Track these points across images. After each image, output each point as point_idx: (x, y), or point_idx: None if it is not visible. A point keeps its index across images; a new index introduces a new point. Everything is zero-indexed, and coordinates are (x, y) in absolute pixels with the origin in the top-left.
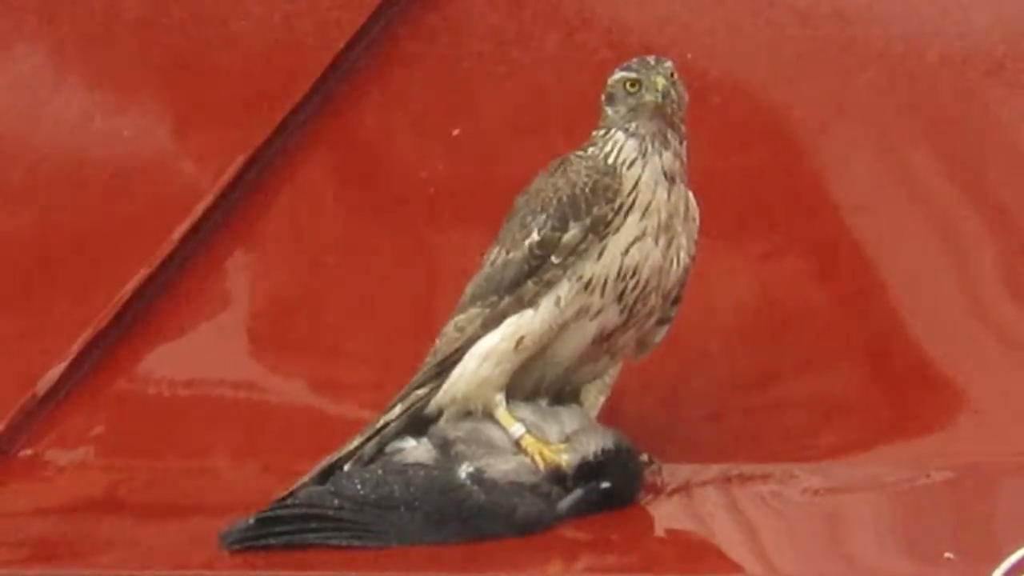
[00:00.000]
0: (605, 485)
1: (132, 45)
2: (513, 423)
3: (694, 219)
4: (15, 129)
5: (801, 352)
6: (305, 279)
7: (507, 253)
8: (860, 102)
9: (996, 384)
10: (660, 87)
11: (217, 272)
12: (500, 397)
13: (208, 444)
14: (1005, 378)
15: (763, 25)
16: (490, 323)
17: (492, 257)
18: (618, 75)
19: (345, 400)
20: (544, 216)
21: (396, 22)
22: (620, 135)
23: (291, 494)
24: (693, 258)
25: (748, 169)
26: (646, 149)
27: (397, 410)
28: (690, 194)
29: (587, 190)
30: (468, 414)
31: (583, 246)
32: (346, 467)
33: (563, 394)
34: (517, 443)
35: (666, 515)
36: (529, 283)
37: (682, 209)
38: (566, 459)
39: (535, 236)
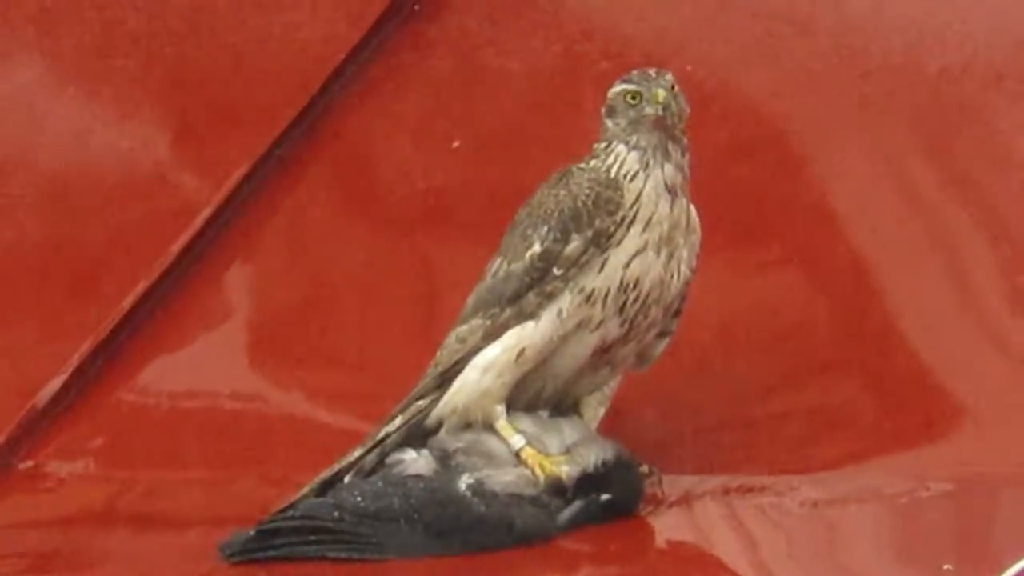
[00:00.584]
0: (605, 497)
1: (131, 57)
2: (513, 435)
3: (696, 232)
4: (14, 141)
5: (800, 364)
6: (304, 291)
7: (509, 265)
8: (860, 113)
9: (995, 395)
10: (661, 99)
11: (216, 284)
12: (501, 409)
13: (208, 456)
14: (1004, 389)
15: (762, 36)
16: (491, 335)
17: (494, 268)
18: (619, 87)
19: (345, 411)
20: (546, 228)
21: (396, 34)
22: (622, 148)
23: (291, 506)
24: (694, 271)
25: (747, 180)
26: (648, 162)
27: (398, 421)
28: (692, 207)
29: (589, 202)
30: (468, 425)
31: (585, 258)
32: (346, 479)
33: (563, 406)
34: (517, 455)
35: (666, 526)
36: (531, 295)
37: (684, 222)
38: (566, 471)
39: (537, 248)
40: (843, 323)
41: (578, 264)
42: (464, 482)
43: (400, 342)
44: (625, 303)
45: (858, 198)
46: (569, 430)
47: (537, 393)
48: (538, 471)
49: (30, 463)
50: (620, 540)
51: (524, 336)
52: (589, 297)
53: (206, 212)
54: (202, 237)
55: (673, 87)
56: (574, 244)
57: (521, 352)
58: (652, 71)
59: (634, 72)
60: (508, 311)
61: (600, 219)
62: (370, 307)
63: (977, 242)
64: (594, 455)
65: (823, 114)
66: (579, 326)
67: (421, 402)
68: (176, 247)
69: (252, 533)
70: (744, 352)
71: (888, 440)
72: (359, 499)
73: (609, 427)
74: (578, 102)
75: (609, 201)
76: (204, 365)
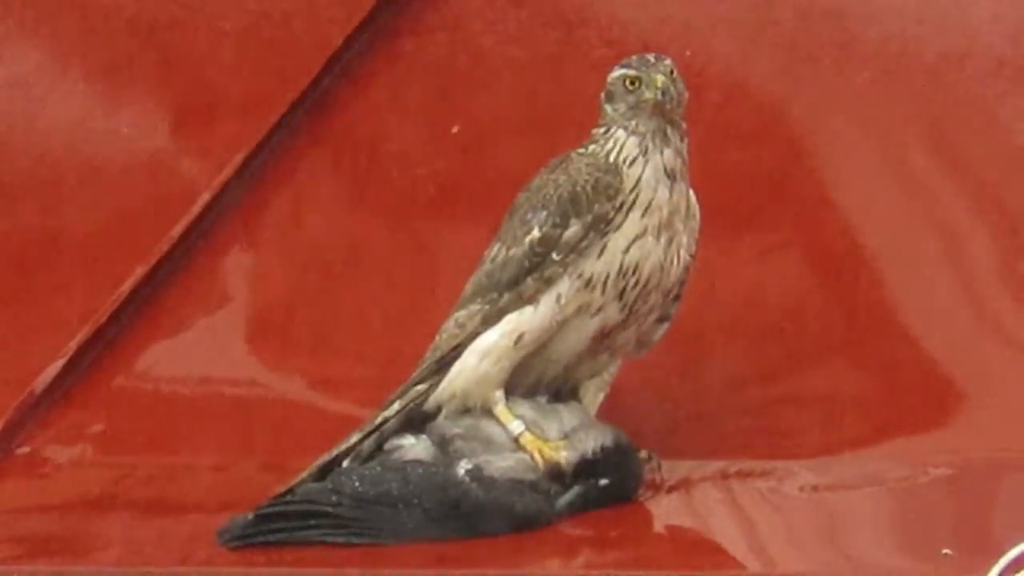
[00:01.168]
0: (604, 482)
1: (130, 42)
2: (512, 420)
3: (695, 217)
4: (12, 126)
5: (800, 349)
6: (303, 276)
7: (508, 250)
8: (859, 100)
9: (995, 381)
10: (659, 84)
11: (215, 269)
12: (499, 394)
13: (207, 441)
14: (1004, 375)
15: (762, 23)
16: (490, 320)
17: (493, 254)
18: (618, 72)
19: (344, 396)
20: (545, 213)
21: (394, 19)
22: (621, 133)
23: (290, 491)
24: (693, 256)
25: (746, 167)
26: (647, 147)
27: (396, 406)
28: (691, 192)
29: (588, 188)
30: (467, 411)
31: (584, 244)
32: (345, 464)
33: (562, 391)
34: (516, 440)
35: (665, 512)
36: (529, 280)
37: (683, 207)
38: (565, 456)
39: (536, 233)
40: (842, 309)
41: (577, 249)
42: (463, 467)
43: (399, 328)
44: (624, 288)
45: (857, 184)
46: (568, 415)
47: (536, 378)
48: (537, 456)
49: (28, 449)
50: (619, 525)
51: (523, 321)
52: (588, 282)
53: (205, 197)
54: (201, 223)
55: (672, 72)
56: (573, 229)
57: (520, 337)
58: (651, 56)
59: (633, 57)
60: (507, 296)
61: (599, 204)
62: (369, 292)
63: (977, 228)
64: (593, 440)
65: (822, 100)
66: (578, 311)
67: (420, 387)
68: (175, 233)
69: (250, 518)
70: (743, 337)
71: (887, 425)
72: (357, 484)
73: (608, 412)
74: (577, 88)
75: (608, 186)
76: (203, 351)
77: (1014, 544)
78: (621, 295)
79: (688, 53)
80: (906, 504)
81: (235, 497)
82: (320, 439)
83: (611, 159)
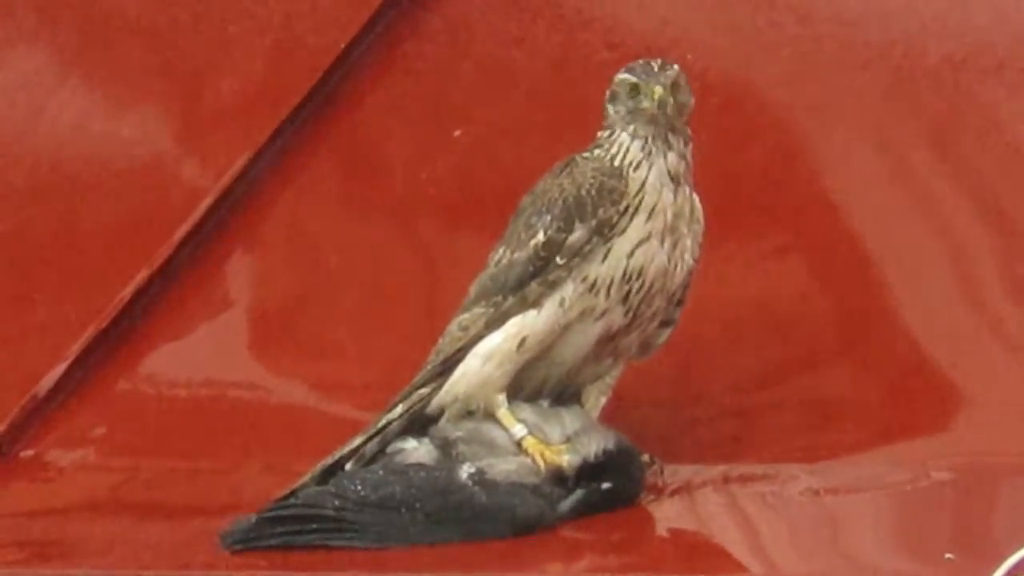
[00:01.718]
0: (606, 486)
1: (132, 45)
2: (515, 424)
3: (699, 221)
4: (15, 129)
5: (802, 352)
6: (306, 279)
7: (512, 253)
8: (860, 102)
9: (996, 384)
10: (656, 96)
11: (218, 272)
12: (502, 397)
13: (209, 444)
14: (1005, 378)
15: (763, 26)
16: (493, 323)
17: (497, 257)
18: (620, 76)
19: (346, 400)
20: (549, 217)
21: (396, 23)
22: (625, 137)
23: (292, 494)
24: (697, 260)
25: (746, 169)
26: (650, 150)
27: (399, 409)
28: (695, 196)
29: (593, 192)
30: (470, 414)
31: (588, 248)
32: (347, 467)
33: (565, 395)
34: (518, 444)
35: (667, 515)
36: (533, 284)
37: (687, 211)
38: (567, 460)
39: (540, 237)
40: (844, 312)
41: (581, 253)
42: (465, 471)
43: (402, 331)
44: (628, 292)
45: (859, 187)
46: (570, 419)
47: (539, 382)
48: (539, 460)
49: (31, 452)
50: (621, 529)
51: (526, 325)
52: (592, 286)
53: (207, 201)
54: (203, 226)
55: (676, 82)
56: (578, 233)
57: (523, 341)
58: (656, 64)
59: (639, 62)
60: (511, 300)
61: (604, 208)
62: (372, 296)
63: (978, 231)
64: (595, 444)
65: (824, 103)
66: (582, 315)
67: (423, 390)
68: (177, 236)
69: (253, 521)
70: (745, 341)
71: (889, 429)
72: (360, 487)
73: (610, 416)
74: (579, 91)
75: (613, 190)
76: (205, 354)
77: (1016, 548)
78: (625, 299)
79: (689, 56)
80: (908, 508)
81: (238, 500)
82: (322, 442)
83: (616, 163)
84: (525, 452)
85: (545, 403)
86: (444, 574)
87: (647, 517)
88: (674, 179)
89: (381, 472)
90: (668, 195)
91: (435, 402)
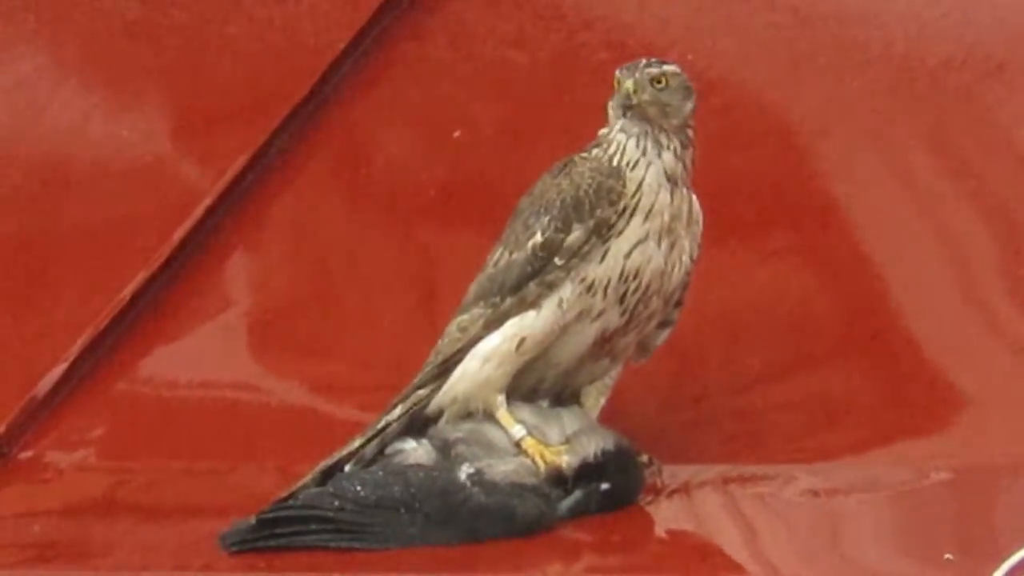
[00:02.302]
0: (605, 486)
1: (132, 47)
2: (514, 424)
3: (697, 222)
4: (14, 130)
5: (801, 353)
6: (305, 280)
7: (510, 254)
8: (860, 103)
9: (996, 385)
10: (623, 89)
11: (217, 274)
12: (501, 398)
13: (208, 445)
14: (1005, 379)
15: (763, 27)
16: (492, 324)
17: (495, 258)
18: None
19: (346, 401)
20: (547, 218)
21: (395, 24)
22: (620, 135)
23: (291, 495)
24: (695, 261)
25: (747, 170)
26: (645, 148)
27: (398, 410)
28: (694, 197)
29: (591, 192)
30: (469, 415)
31: (586, 248)
32: (347, 468)
33: (564, 395)
34: (518, 444)
35: (666, 516)
36: (531, 284)
37: (685, 212)
38: (566, 460)
39: (538, 237)
40: (843, 313)
41: (579, 254)
42: (464, 472)
43: (401, 332)
44: (626, 293)
45: (859, 189)
46: (569, 420)
47: (538, 383)
48: (538, 461)
49: (29, 453)
50: (620, 530)
51: (525, 326)
52: (590, 287)
53: (206, 202)
54: (202, 227)
55: (657, 79)
56: (576, 234)
57: (521, 342)
58: (643, 60)
59: (633, 60)
60: (509, 300)
61: (602, 209)
62: (371, 297)
63: (978, 232)
64: (594, 445)
65: (824, 105)
66: (580, 316)
67: (422, 391)
68: (176, 237)
69: (252, 523)
70: (744, 342)
71: (889, 430)
72: (359, 488)
73: (609, 417)
74: (578, 92)
75: (611, 190)
76: (204, 355)
77: (1016, 549)
78: (622, 300)
79: (690, 57)
80: (907, 509)
81: (237, 502)
82: (322, 443)
83: (614, 162)
84: (524, 453)
85: (544, 404)
86: (443, 575)
87: (646, 518)
88: (671, 180)
89: (380, 473)
90: (665, 195)
91: (434, 403)
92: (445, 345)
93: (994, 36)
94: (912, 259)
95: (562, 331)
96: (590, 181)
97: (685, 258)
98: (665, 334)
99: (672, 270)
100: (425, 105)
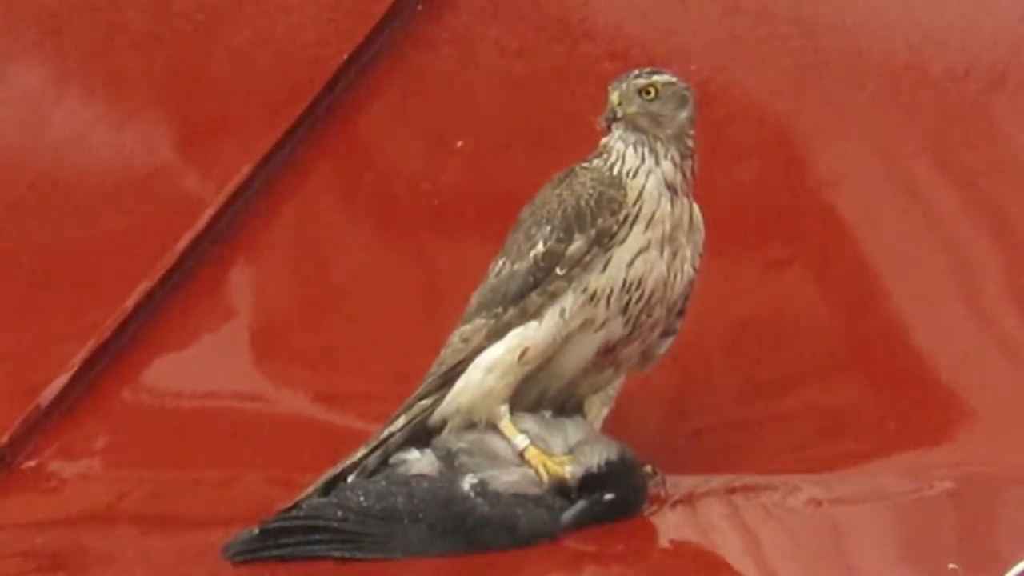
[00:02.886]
0: (609, 496)
1: (135, 57)
2: (517, 435)
3: (699, 231)
4: (18, 141)
5: (804, 363)
6: (308, 290)
7: (512, 264)
8: (863, 114)
9: (999, 395)
10: (609, 101)
11: (221, 283)
12: (504, 408)
13: (212, 455)
14: (1008, 389)
15: (766, 37)
16: (495, 334)
17: (497, 268)
18: None
19: (349, 411)
20: (549, 228)
21: (400, 34)
22: (620, 144)
23: (295, 505)
24: (697, 270)
25: (749, 180)
26: (644, 156)
27: (401, 421)
28: (695, 206)
29: (592, 202)
30: (472, 425)
31: (588, 258)
32: (350, 479)
33: (567, 406)
34: (521, 455)
35: (670, 526)
36: (534, 295)
37: (686, 221)
38: (570, 471)
39: (540, 248)
40: (847, 323)
41: (581, 264)
42: (468, 482)
43: (404, 342)
44: (628, 303)
45: (862, 199)
46: (572, 430)
47: (541, 393)
48: (542, 471)
49: (33, 463)
50: (624, 540)
51: (527, 336)
52: (592, 297)
53: (209, 212)
54: (205, 237)
55: (645, 89)
56: (577, 244)
57: (524, 352)
58: (636, 71)
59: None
60: (511, 311)
61: (603, 218)
62: (374, 307)
63: (981, 243)
64: (598, 455)
65: (827, 115)
66: (583, 326)
67: (424, 402)
68: (179, 247)
69: (256, 533)
70: (748, 352)
71: (892, 440)
72: (363, 499)
73: (613, 427)
74: (581, 102)
75: (612, 200)
76: (207, 365)
77: (1020, 558)
78: (625, 309)
79: (693, 68)
80: (911, 518)
81: (240, 512)
82: (325, 454)
83: (615, 172)
84: (527, 463)
85: (547, 414)
86: None
87: (649, 528)
88: (671, 188)
89: (384, 483)
90: (666, 204)
91: (437, 414)
92: (448, 355)
93: (997, 47)
94: (915, 270)
95: (566, 341)
96: (591, 191)
97: (687, 267)
98: (668, 343)
99: (675, 279)
100: (428, 115)
